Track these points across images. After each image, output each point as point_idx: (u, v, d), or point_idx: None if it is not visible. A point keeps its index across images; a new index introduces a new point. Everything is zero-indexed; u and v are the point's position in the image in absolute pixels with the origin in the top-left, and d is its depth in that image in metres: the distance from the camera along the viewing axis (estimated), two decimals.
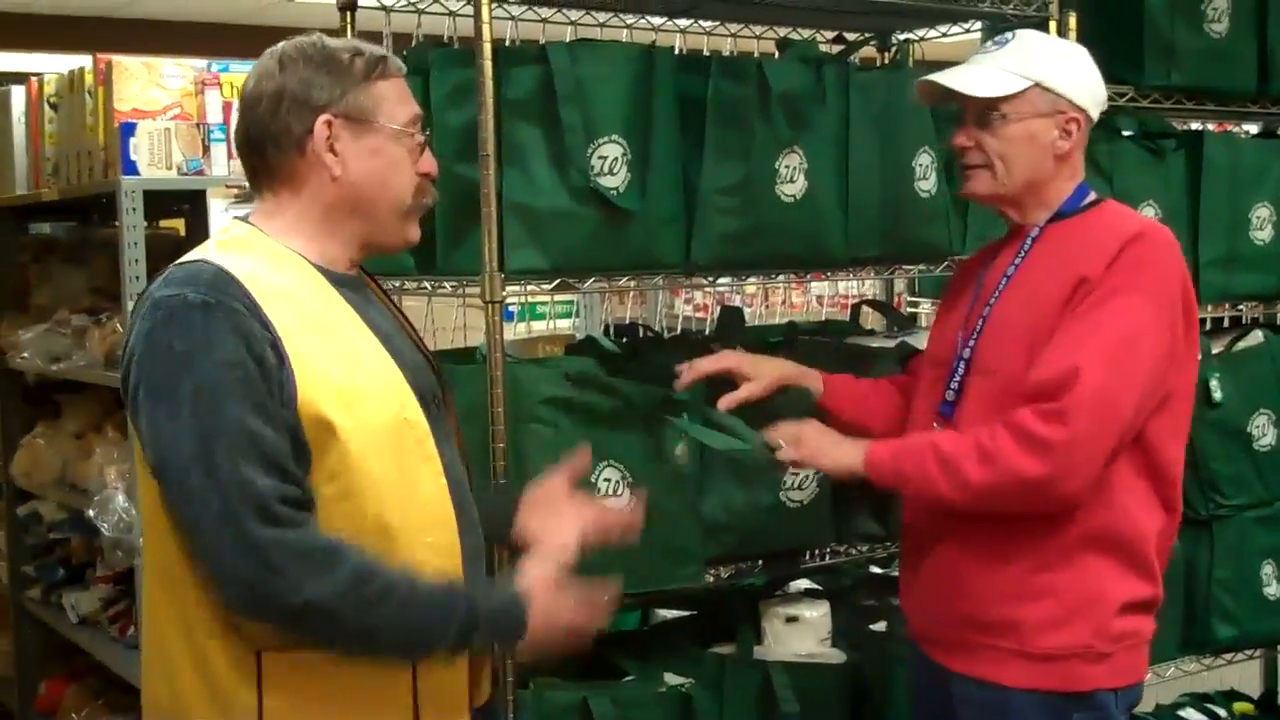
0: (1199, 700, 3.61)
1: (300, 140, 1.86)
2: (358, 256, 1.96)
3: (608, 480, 2.42)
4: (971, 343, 2.31)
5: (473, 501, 2.00)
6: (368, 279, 2.04)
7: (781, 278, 3.01)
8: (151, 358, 1.75)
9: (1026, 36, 2.33)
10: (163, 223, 4.42)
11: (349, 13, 2.66)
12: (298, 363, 1.75)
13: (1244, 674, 3.65)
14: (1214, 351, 3.23)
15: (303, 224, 1.90)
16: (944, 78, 2.32)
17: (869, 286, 3.81)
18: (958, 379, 2.31)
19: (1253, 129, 3.82)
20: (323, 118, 1.85)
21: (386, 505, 1.80)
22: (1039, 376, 2.16)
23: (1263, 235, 3.30)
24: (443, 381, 2.05)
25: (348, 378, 1.79)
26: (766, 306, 4.53)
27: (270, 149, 1.88)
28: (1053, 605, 2.22)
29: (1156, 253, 2.22)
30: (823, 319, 3.69)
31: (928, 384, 2.41)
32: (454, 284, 2.51)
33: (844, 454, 2.32)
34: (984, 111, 2.29)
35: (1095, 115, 2.34)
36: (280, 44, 1.91)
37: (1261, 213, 3.29)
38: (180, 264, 1.83)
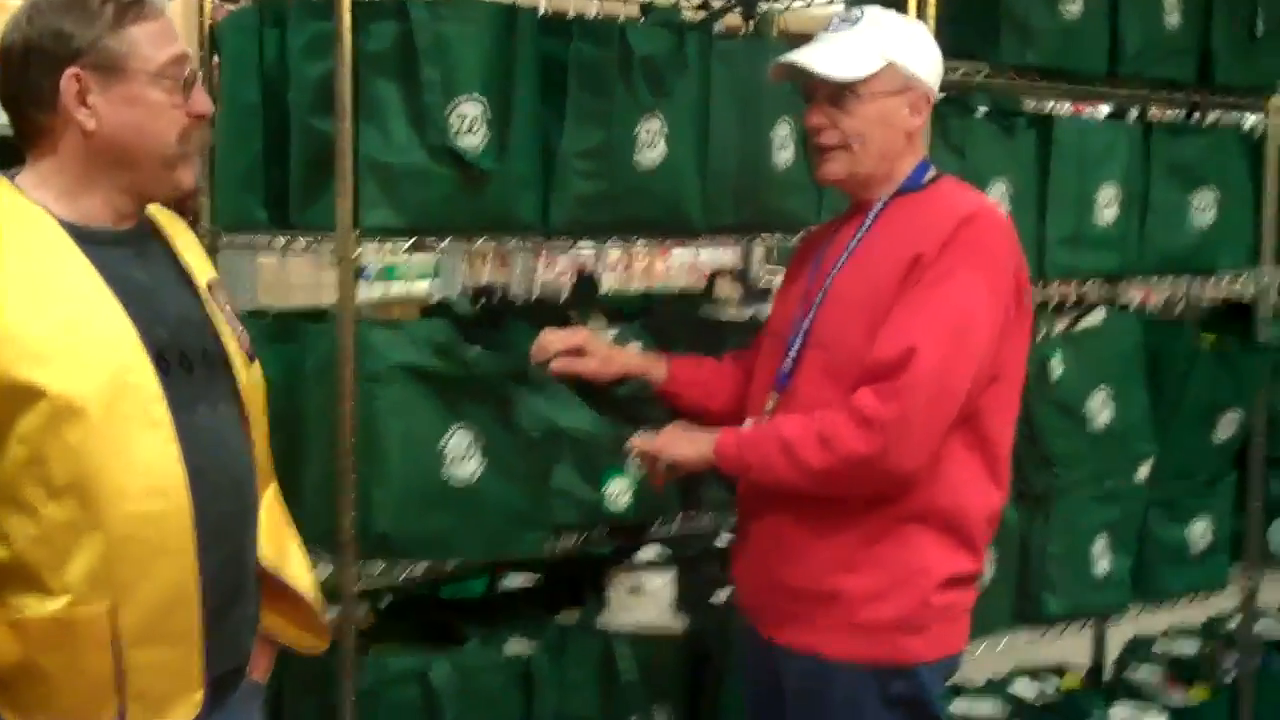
0: (1029, 674, 3.72)
1: (51, 96, 1.80)
2: (128, 208, 1.89)
3: (458, 444, 2.39)
4: (809, 316, 2.33)
5: (248, 466, 1.95)
6: (165, 228, 1.97)
7: (641, 244, 3.00)
8: None
9: (877, 14, 2.35)
10: None
11: None
12: None
13: (1074, 648, 3.75)
14: (1057, 330, 3.29)
15: (59, 179, 1.83)
16: (800, 58, 2.33)
17: (728, 254, 3.82)
18: (794, 350, 2.34)
19: (1102, 111, 3.90)
20: (70, 70, 1.79)
21: (85, 469, 1.73)
22: (876, 356, 2.20)
23: (1108, 215, 3.36)
24: (227, 341, 1.97)
25: (54, 339, 1.72)
26: (628, 271, 4.51)
27: (25, 106, 1.83)
28: (875, 577, 2.26)
29: (989, 233, 2.27)
30: (679, 287, 3.70)
31: (767, 355, 2.43)
32: (308, 240, 2.45)
33: (697, 446, 2.35)
34: (839, 91, 2.30)
35: (937, 93, 2.39)
36: None
37: (1108, 193, 3.35)
38: None
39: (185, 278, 1.96)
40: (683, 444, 2.38)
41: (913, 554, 2.27)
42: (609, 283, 4.12)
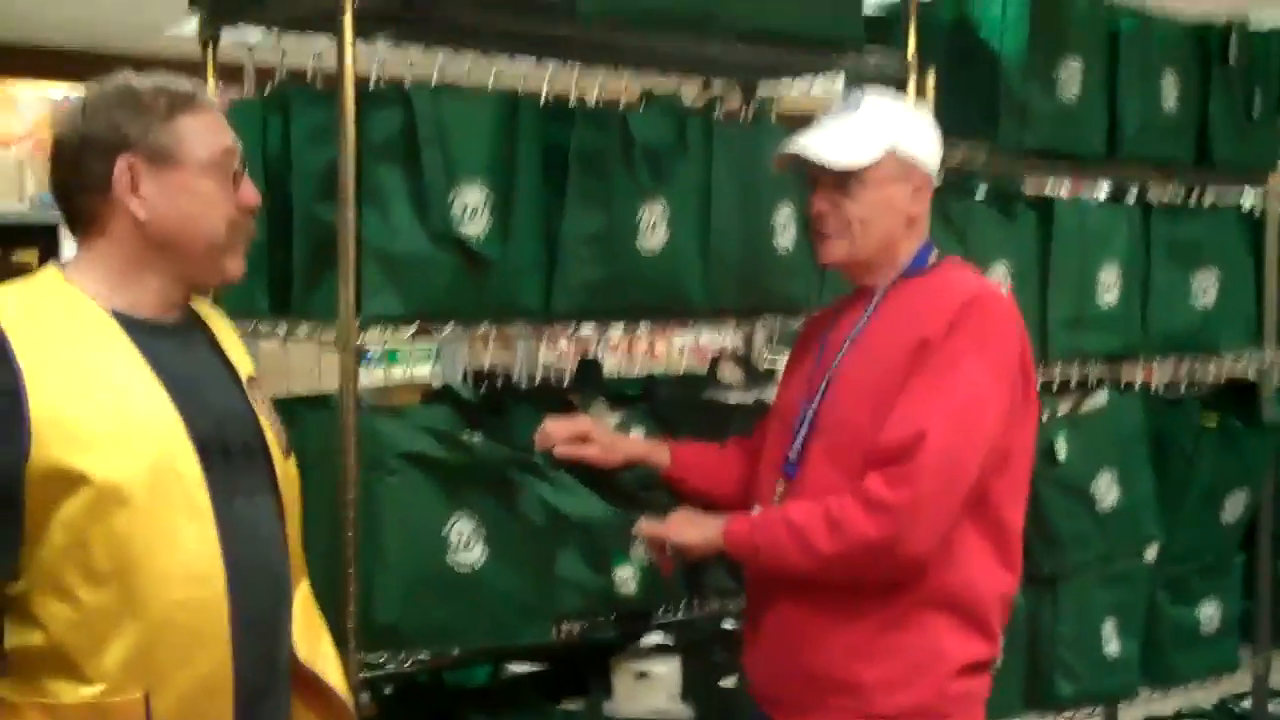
0: None
1: (103, 184, 1.83)
2: (175, 296, 1.91)
3: (460, 533, 2.37)
4: (815, 402, 2.33)
5: (282, 559, 1.95)
6: (209, 321, 1.99)
7: (644, 327, 3.01)
8: None
9: (877, 101, 2.37)
10: (17, 253, 4.30)
11: (210, 47, 2.60)
12: (40, 409, 1.71)
13: None
14: (1060, 411, 3.29)
15: (108, 267, 1.86)
16: (803, 148, 2.34)
17: (730, 338, 3.83)
18: (801, 436, 2.33)
19: (1102, 192, 3.92)
20: (123, 159, 1.82)
21: (127, 556, 1.74)
22: (885, 441, 2.19)
23: (1110, 297, 3.37)
24: (266, 434, 1.98)
25: (100, 426, 1.74)
26: (629, 354, 4.52)
27: (76, 194, 1.86)
28: (893, 666, 2.24)
29: (994, 315, 2.27)
30: (683, 370, 3.70)
31: (773, 440, 2.43)
32: (310, 326, 2.45)
33: (704, 530, 2.35)
34: (842, 178, 2.31)
35: (937, 178, 2.41)
36: (88, 84, 1.88)
37: (1109, 275, 3.37)
38: None
39: (228, 369, 1.98)
40: (690, 529, 2.37)
41: (929, 640, 2.25)
42: (610, 365, 4.11)
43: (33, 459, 1.70)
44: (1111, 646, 3.27)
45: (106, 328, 1.82)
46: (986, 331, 2.24)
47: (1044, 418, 3.23)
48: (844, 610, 2.26)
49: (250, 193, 1.94)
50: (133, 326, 1.84)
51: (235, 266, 1.95)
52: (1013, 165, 3.25)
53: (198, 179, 1.87)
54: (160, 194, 1.85)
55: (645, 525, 2.43)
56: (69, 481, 1.71)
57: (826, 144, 2.33)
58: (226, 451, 1.87)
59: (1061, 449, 3.17)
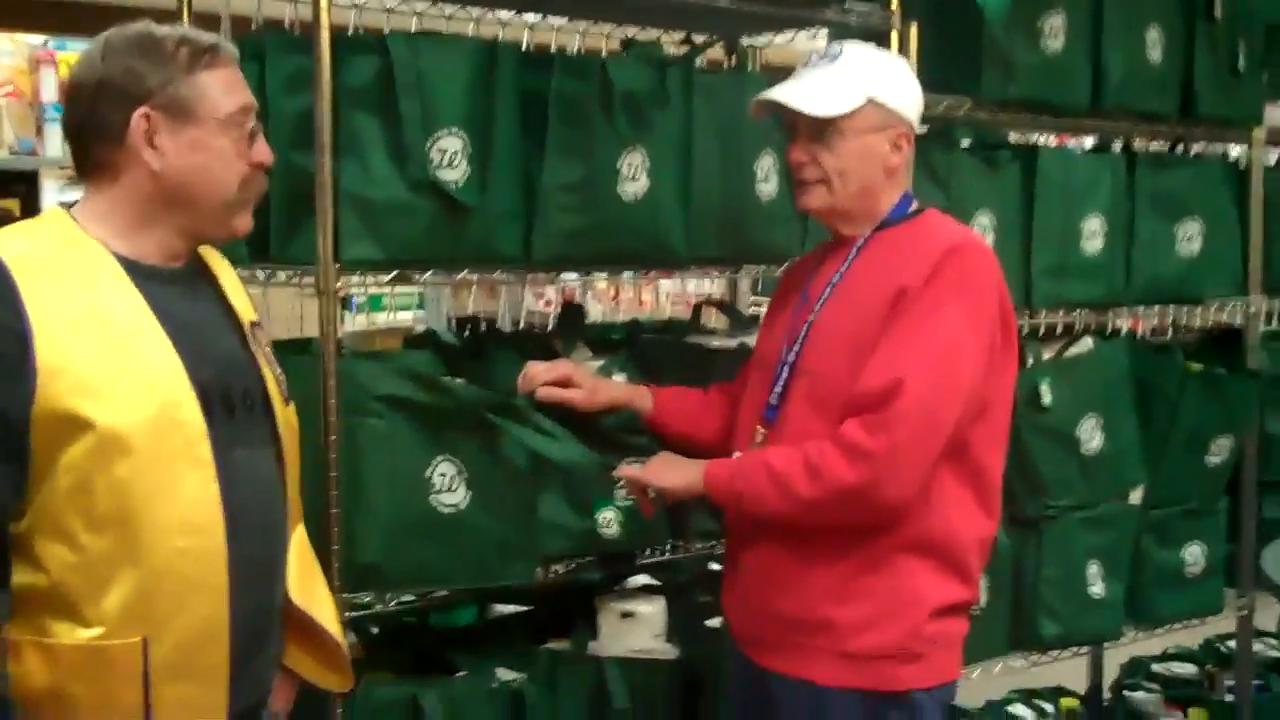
0: (1027, 696, 3.72)
1: (118, 132, 1.84)
2: (181, 247, 1.93)
3: (443, 475, 2.41)
4: (796, 348, 2.35)
5: (281, 508, 1.98)
6: (212, 265, 2.01)
7: (628, 275, 3.03)
8: None
9: (857, 51, 2.38)
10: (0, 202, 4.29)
11: None
12: (48, 356, 1.73)
13: (1071, 671, 3.75)
14: (1045, 357, 3.31)
15: (117, 214, 1.87)
16: (781, 95, 2.35)
17: (716, 285, 3.85)
18: (781, 383, 2.35)
19: (1087, 142, 3.93)
20: (140, 110, 1.83)
21: (128, 503, 1.76)
22: (863, 388, 2.21)
23: (1093, 246, 3.39)
24: (268, 383, 2.00)
25: (105, 373, 1.76)
26: (615, 303, 4.54)
27: (90, 139, 1.86)
28: (868, 606, 2.27)
29: (974, 264, 2.29)
30: (667, 316, 3.72)
31: (754, 386, 2.45)
32: (289, 273, 2.48)
33: (684, 474, 2.38)
34: (819, 127, 2.32)
35: (918, 128, 2.41)
36: (109, 30, 1.87)
37: (1093, 224, 3.38)
38: None
39: (231, 317, 2.00)
40: (671, 473, 2.40)
41: (905, 583, 2.28)
42: (597, 313, 4.13)
43: (38, 402, 1.72)
44: (1096, 588, 3.30)
45: (113, 273, 1.83)
46: (966, 280, 2.26)
47: (1028, 362, 3.26)
48: (821, 553, 2.29)
49: (265, 151, 1.95)
50: (138, 272, 1.85)
51: (244, 223, 1.96)
52: (996, 117, 3.26)
53: (215, 135, 1.87)
54: (176, 147, 1.85)
55: (626, 468, 2.45)
56: (74, 426, 1.73)
57: (804, 93, 2.34)
58: (228, 400, 1.89)
59: (1046, 394, 3.20)
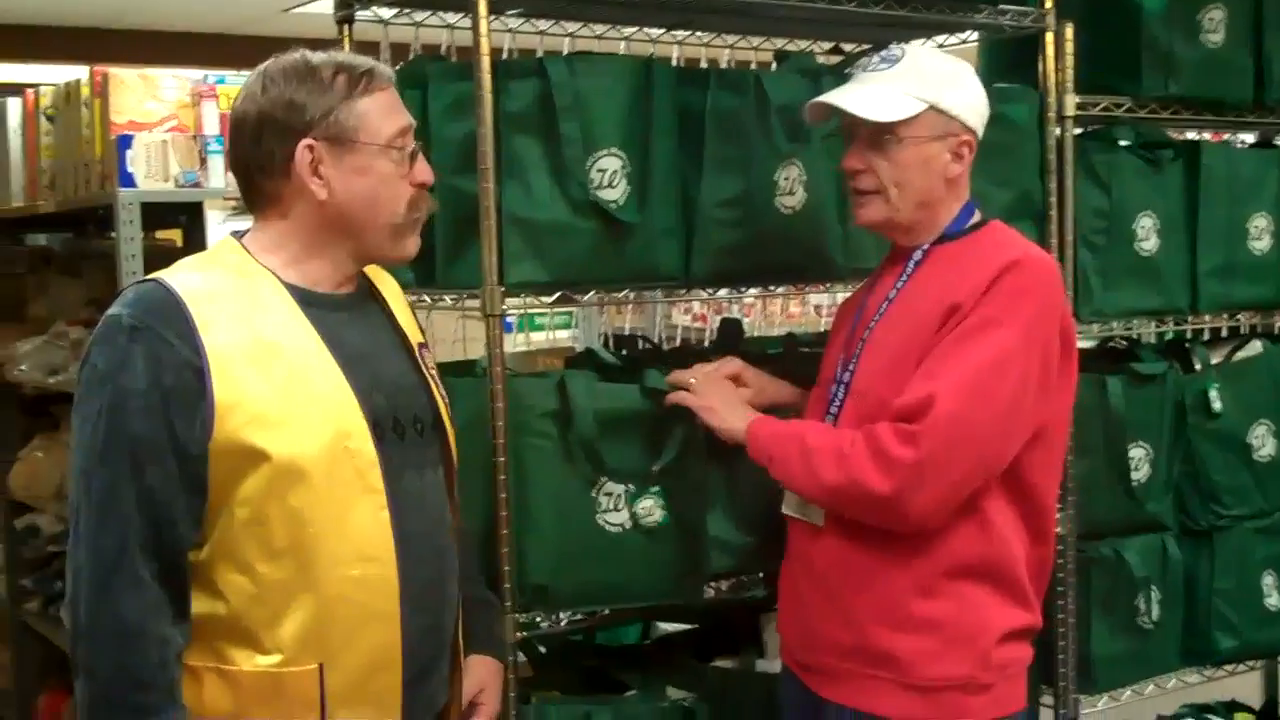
0: (1199, 711, 3.60)
1: (284, 165, 1.85)
2: (351, 272, 1.95)
3: (609, 494, 2.41)
4: (851, 365, 2.30)
5: (448, 533, 1.99)
6: (380, 287, 2.03)
7: (780, 289, 3.01)
8: (82, 372, 1.80)
9: (918, 55, 2.29)
10: (159, 233, 4.41)
11: (346, 25, 2.66)
12: (223, 388, 1.75)
13: (1245, 685, 3.64)
14: (1213, 362, 3.23)
15: (287, 244, 1.89)
16: (838, 99, 2.27)
17: None
18: (836, 402, 2.31)
19: (1249, 139, 3.82)
20: (304, 142, 1.84)
21: (303, 532, 1.79)
22: (901, 401, 2.15)
23: (1260, 245, 3.29)
24: (438, 405, 2.02)
25: (279, 404, 1.78)
26: (765, 316, 4.53)
27: (256, 173, 1.88)
28: (933, 636, 2.20)
29: (1033, 281, 2.19)
30: (820, 329, 3.69)
31: (814, 402, 2.41)
32: (453, 297, 2.50)
33: (734, 419, 2.35)
34: (878, 134, 2.24)
35: (981, 134, 2.32)
36: (267, 62, 1.89)
37: (1259, 222, 3.29)
38: (139, 282, 1.85)
39: (400, 340, 2.02)
40: (724, 413, 2.37)
41: (967, 610, 2.21)
42: (746, 326, 4.11)
43: (216, 435, 1.75)
44: (1272, 599, 3.20)
45: (284, 303, 1.85)
46: (1022, 297, 2.16)
47: (1196, 367, 3.18)
48: (877, 580, 2.21)
49: (425, 171, 1.94)
50: (309, 301, 1.88)
51: (412, 244, 1.96)
52: (1156, 115, 3.19)
53: (376, 159, 1.88)
54: (340, 175, 1.86)
55: (682, 393, 2.41)
56: (250, 458, 1.76)
57: (862, 97, 2.25)
58: (398, 426, 1.91)
59: (1216, 400, 3.12)
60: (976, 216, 2.33)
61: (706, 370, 2.47)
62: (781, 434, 2.29)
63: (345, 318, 1.92)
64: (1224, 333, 3.49)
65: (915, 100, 2.23)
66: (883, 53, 2.32)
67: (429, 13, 2.67)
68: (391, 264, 2.03)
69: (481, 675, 2.14)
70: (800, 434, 2.25)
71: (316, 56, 1.89)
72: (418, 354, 2.03)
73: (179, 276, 1.83)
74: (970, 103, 2.28)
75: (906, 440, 2.11)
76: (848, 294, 2.66)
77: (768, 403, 2.49)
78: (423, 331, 2.13)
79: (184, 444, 1.75)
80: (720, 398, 2.40)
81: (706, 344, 3.07)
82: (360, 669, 1.85)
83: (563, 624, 2.57)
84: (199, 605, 1.81)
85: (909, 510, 2.13)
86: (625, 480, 2.42)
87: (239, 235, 1.94)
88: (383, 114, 1.89)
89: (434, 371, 2.05)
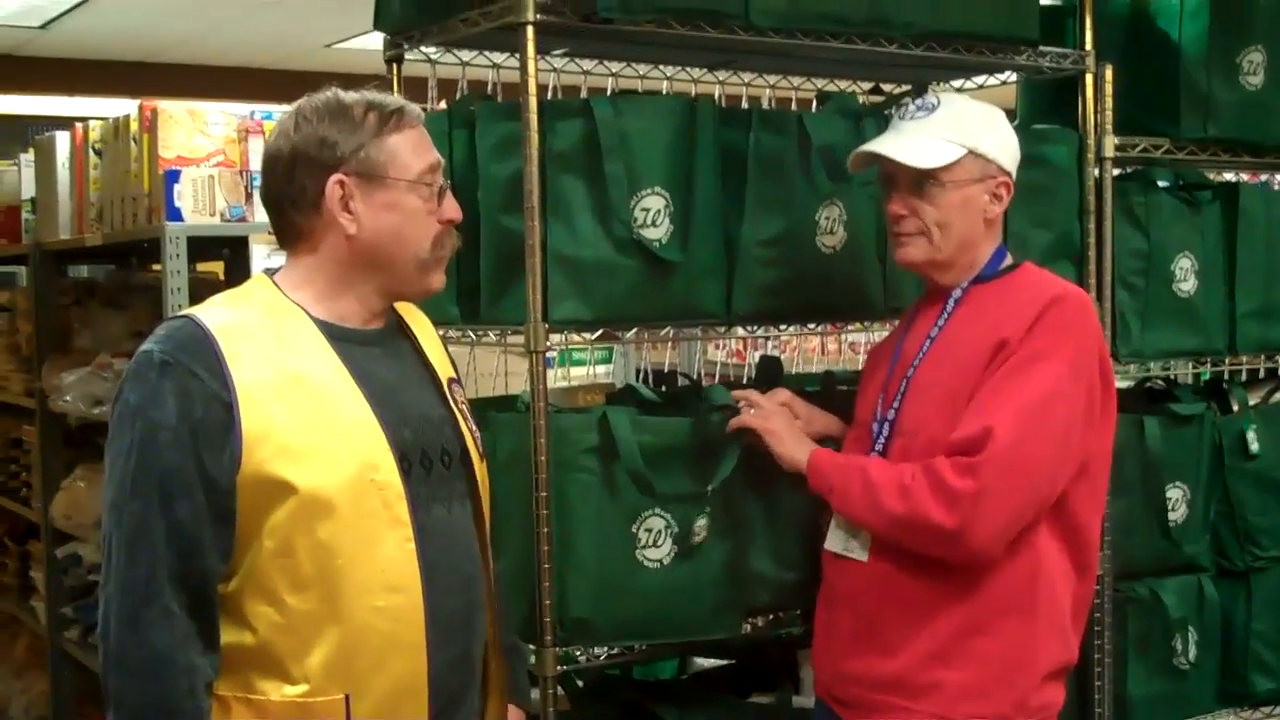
0: None
1: (315, 200, 1.89)
2: (379, 307, 1.98)
3: (649, 530, 2.42)
4: (895, 405, 2.33)
5: (477, 565, 2.01)
6: (411, 322, 2.06)
7: (818, 326, 3.03)
8: (115, 407, 1.83)
9: (954, 101, 2.37)
10: (201, 265, 4.46)
11: (396, 64, 2.70)
12: (252, 422, 1.78)
13: None
14: (1251, 403, 3.23)
15: (317, 279, 1.93)
16: (881, 148, 2.34)
17: None
18: (881, 441, 2.33)
19: None
20: (334, 177, 1.88)
21: (330, 564, 1.81)
22: (956, 436, 2.19)
23: None
24: (466, 439, 2.04)
25: (306, 437, 1.81)
26: (801, 354, 4.54)
27: (288, 208, 1.92)
28: (975, 672, 2.22)
29: (1076, 316, 2.26)
30: (859, 367, 3.69)
31: (851, 443, 2.44)
32: (497, 333, 2.53)
33: (796, 449, 2.39)
34: (920, 179, 2.31)
35: (1015, 176, 2.38)
36: (300, 100, 1.93)
37: None
38: (172, 317, 1.89)
39: (429, 375, 2.04)
40: (788, 440, 2.40)
41: (1014, 646, 2.23)
42: (783, 364, 4.13)
43: (244, 468, 1.78)
44: None
45: (313, 338, 1.89)
46: (1069, 330, 2.23)
47: (1233, 408, 3.18)
48: (924, 614, 2.24)
49: (453, 208, 1.97)
50: (338, 336, 1.91)
51: (438, 280, 1.99)
52: (1195, 157, 3.20)
53: (405, 195, 1.91)
54: (370, 211, 1.90)
55: (747, 416, 2.44)
56: (277, 490, 1.79)
57: (904, 145, 2.33)
58: (425, 459, 1.93)
59: (1254, 441, 3.12)
60: (1009, 259, 2.40)
61: (762, 398, 2.50)
62: (844, 465, 2.32)
63: (375, 352, 1.95)
64: (1261, 374, 3.49)
65: (955, 146, 2.30)
66: (919, 100, 2.39)
67: (475, 52, 2.71)
68: (417, 299, 2.06)
69: None
70: (863, 466, 2.28)
71: (348, 95, 1.93)
72: (447, 389, 2.05)
73: (210, 312, 1.87)
74: (1005, 146, 2.36)
75: (965, 472, 2.14)
76: (886, 333, 2.68)
77: (817, 433, 2.51)
78: (455, 367, 2.15)
79: (213, 477, 1.78)
80: (784, 424, 2.44)
81: (745, 380, 3.08)
82: (386, 699, 1.86)
83: (600, 659, 2.57)
84: (228, 635, 1.83)
85: (970, 542, 2.16)
86: (671, 507, 2.43)
87: (271, 272, 1.98)
88: (412, 151, 1.92)
89: (464, 406, 2.08)
